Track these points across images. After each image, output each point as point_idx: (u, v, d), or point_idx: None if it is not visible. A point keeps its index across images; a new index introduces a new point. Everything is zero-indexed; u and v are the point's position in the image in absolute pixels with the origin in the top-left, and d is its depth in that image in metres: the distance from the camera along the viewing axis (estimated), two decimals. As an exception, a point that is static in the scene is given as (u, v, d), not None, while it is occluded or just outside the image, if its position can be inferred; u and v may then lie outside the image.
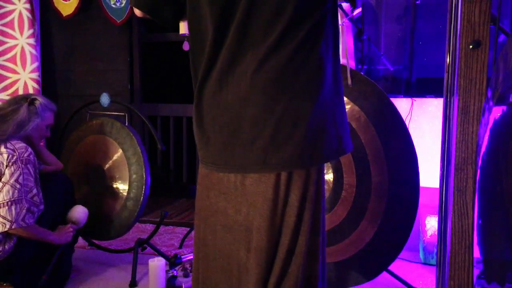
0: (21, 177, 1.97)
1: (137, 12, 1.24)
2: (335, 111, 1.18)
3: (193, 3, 1.16)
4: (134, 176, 2.47)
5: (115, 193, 2.53)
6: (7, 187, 1.94)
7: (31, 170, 2.01)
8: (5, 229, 1.92)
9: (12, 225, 1.92)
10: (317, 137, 1.13)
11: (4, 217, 1.92)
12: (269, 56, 1.09)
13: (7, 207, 1.92)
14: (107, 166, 2.57)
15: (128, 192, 2.48)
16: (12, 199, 1.94)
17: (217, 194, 1.20)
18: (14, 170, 1.96)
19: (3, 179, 1.95)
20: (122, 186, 2.51)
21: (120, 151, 2.53)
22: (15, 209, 1.93)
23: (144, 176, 2.44)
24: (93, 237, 2.65)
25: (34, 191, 2.01)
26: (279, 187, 1.14)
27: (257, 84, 1.10)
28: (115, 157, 2.56)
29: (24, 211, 1.96)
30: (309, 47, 1.11)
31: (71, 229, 2.25)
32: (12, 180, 1.95)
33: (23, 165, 1.98)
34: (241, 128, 1.12)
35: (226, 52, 1.12)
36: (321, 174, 1.20)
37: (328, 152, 1.17)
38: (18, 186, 1.96)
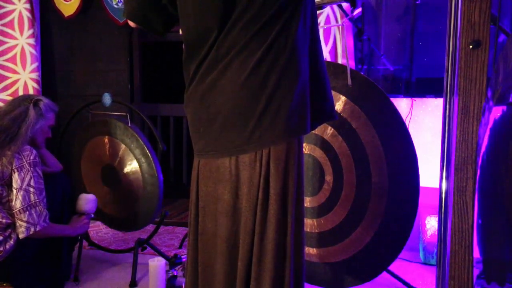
0: (32, 181, 1.99)
1: (130, 23, 1.38)
2: (315, 86, 1.32)
3: (183, 12, 1.28)
4: (146, 175, 2.53)
5: (132, 189, 2.60)
6: (21, 192, 1.97)
7: (39, 172, 2.04)
8: (31, 233, 1.97)
9: (36, 227, 1.98)
10: (300, 111, 1.25)
11: (27, 221, 1.96)
12: (254, 46, 1.20)
13: (27, 212, 1.96)
14: (118, 165, 2.62)
15: (144, 188, 2.54)
16: (30, 203, 1.98)
17: (215, 181, 1.28)
18: (24, 174, 1.98)
19: (15, 185, 1.97)
20: (136, 183, 2.57)
21: (128, 150, 2.57)
22: (35, 212, 1.98)
23: (156, 173, 2.50)
24: (120, 229, 2.76)
25: (44, 192, 2.04)
26: (265, 172, 1.22)
27: (243, 72, 1.20)
28: (123, 155, 2.60)
29: (43, 212, 2.01)
30: (287, 32, 1.22)
31: (85, 220, 2.30)
32: (24, 185, 1.97)
33: (31, 168, 2.00)
34: (234, 113, 1.22)
35: (217, 48, 1.22)
36: (301, 150, 1.30)
37: (308, 125, 1.30)
38: (32, 189, 1.99)
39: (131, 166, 2.58)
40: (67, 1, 3.41)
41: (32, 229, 1.97)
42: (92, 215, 2.36)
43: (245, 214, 1.23)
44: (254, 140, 1.21)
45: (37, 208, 1.99)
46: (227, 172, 1.25)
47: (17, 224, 1.97)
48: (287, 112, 1.22)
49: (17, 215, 1.96)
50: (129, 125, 2.55)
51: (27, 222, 1.96)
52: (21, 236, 1.97)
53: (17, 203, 1.96)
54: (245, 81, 1.20)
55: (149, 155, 2.51)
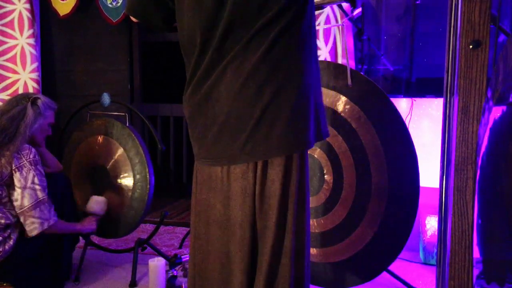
0: (36, 179, 2.00)
1: (132, 18, 1.38)
2: (316, 99, 1.25)
3: (179, 11, 1.26)
4: (138, 176, 2.49)
5: (120, 193, 2.54)
6: (27, 191, 1.97)
7: (41, 170, 2.04)
8: (45, 227, 1.98)
9: (50, 222, 2.00)
10: (300, 125, 1.19)
11: (39, 217, 1.97)
12: (249, 52, 1.15)
13: (38, 208, 1.97)
14: (110, 166, 2.58)
15: (133, 192, 2.49)
16: (38, 200, 1.98)
17: (207, 189, 1.26)
18: (26, 173, 1.98)
19: (18, 185, 1.97)
20: (126, 186, 2.52)
21: (123, 151, 2.54)
22: (45, 208, 2.00)
23: (148, 176, 2.45)
24: (101, 235, 2.64)
25: (47, 190, 2.05)
26: (260, 181, 1.19)
27: (238, 79, 1.16)
28: (117, 157, 2.56)
29: (52, 208, 2.03)
30: (290, 35, 1.17)
31: (93, 219, 2.35)
32: (29, 183, 1.97)
33: (33, 167, 2.00)
34: (228, 122, 1.18)
35: (211, 53, 1.18)
36: (304, 160, 1.25)
37: (310, 138, 1.23)
38: (37, 187, 1.99)
39: (123, 167, 2.52)
40: (63, 0, 3.40)
41: (46, 224, 1.98)
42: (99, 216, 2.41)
43: (242, 225, 1.21)
44: (246, 151, 1.17)
45: (46, 204, 2.00)
46: (218, 181, 1.23)
47: (28, 221, 1.96)
48: (284, 125, 1.16)
49: (26, 212, 1.96)
50: (127, 125, 2.54)
51: (40, 218, 1.97)
52: (34, 233, 1.96)
53: (24, 201, 1.96)
54: (240, 89, 1.16)
55: (143, 155, 2.46)
